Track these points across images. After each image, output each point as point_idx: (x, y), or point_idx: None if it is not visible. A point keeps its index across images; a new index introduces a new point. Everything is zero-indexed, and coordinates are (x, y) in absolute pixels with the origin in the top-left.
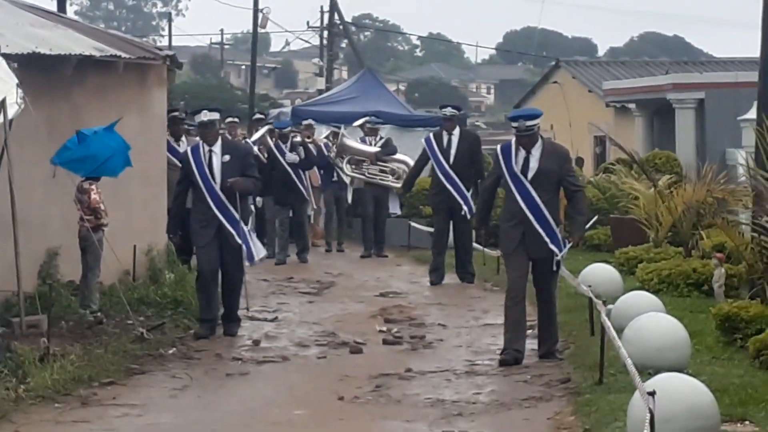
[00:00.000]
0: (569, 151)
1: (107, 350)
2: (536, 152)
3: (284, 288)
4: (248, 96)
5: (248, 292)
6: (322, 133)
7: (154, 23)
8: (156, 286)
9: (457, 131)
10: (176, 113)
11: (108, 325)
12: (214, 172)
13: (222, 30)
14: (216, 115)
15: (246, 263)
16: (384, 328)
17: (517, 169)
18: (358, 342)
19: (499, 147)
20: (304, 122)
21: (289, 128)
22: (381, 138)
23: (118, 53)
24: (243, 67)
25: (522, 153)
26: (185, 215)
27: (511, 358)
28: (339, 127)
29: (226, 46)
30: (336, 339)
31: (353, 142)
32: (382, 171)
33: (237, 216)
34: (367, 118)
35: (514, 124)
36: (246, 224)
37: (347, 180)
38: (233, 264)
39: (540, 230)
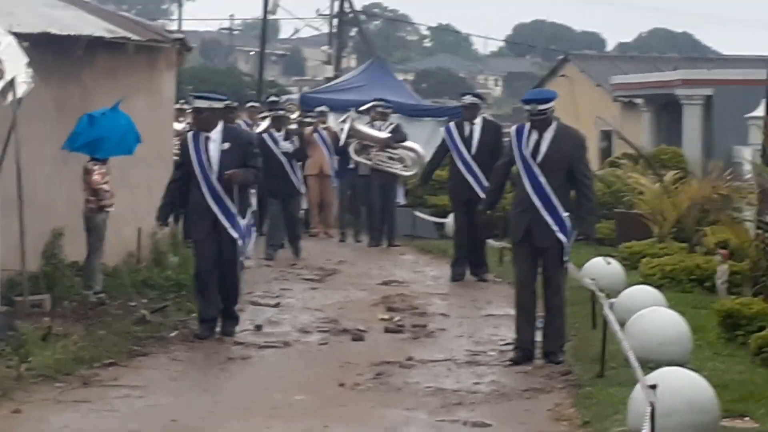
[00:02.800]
0: (585, 138)
1: (110, 331)
2: (548, 135)
3: (287, 274)
4: (256, 82)
5: (253, 300)
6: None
7: (164, 7)
8: (159, 268)
9: (479, 120)
10: (254, 103)
11: (111, 306)
12: (212, 160)
13: (232, 15)
14: (204, 103)
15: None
16: (386, 317)
17: (528, 152)
18: (359, 329)
19: (513, 128)
20: (317, 109)
21: (282, 112)
22: (391, 123)
23: (129, 35)
24: (252, 53)
25: (534, 136)
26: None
27: (522, 358)
28: (351, 111)
29: (236, 32)
30: (338, 326)
31: (364, 127)
32: (390, 158)
33: (233, 208)
34: (375, 102)
35: (527, 107)
36: (244, 217)
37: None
38: (229, 259)
39: (547, 217)
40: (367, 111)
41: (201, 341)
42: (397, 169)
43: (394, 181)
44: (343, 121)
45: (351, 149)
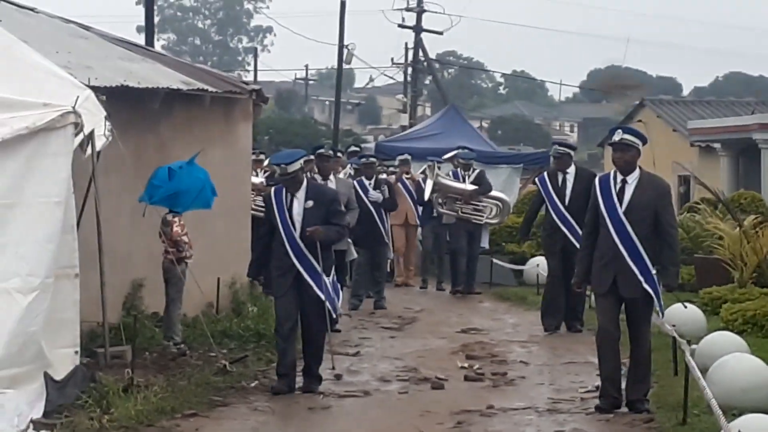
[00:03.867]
0: (670, 186)
1: (190, 382)
2: (632, 181)
3: (366, 323)
4: (332, 131)
5: (333, 350)
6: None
7: (239, 58)
8: (239, 318)
9: (572, 169)
10: (323, 150)
11: (191, 357)
12: (294, 218)
13: (307, 65)
14: (296, 166)
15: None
16: (466, 365)
17: (615, 200)
18: (439, 378)
19: (597, 178)
20: (399, 157)
21: (373, 160)
22: (474, 170)
23: (205, 87)
24: (327, 102)
25: (618, 182)
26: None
27: (608, 405)
28: (433, 162)
29: (311, 82)
30: (417, 374)
31: (448, 180)
32: (476, 210)
33: (318, 266)
34: (458, 151)
35: (613, 138)
36: (328, 275)
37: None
38: (314, 316)
39: (634, 268)
40: (451, 159)
41: (276, 395)
42: (482, 219)
43: (480, 228)
44: (423, 172)
45: (436, 202)
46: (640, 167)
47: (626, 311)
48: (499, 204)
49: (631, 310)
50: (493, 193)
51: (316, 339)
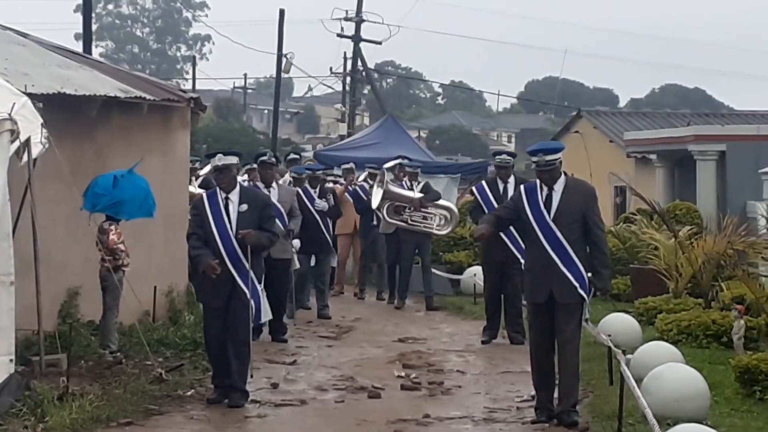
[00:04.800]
0: (595, 189)
1: (126, 390)
2: (558, 188)
3: (303, 332)
4: (270, 140)
5: (270, 358)
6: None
7: (178, 66)
8: (175, 327)
9: (512, 179)
10: (265, 157)
11: (127, 365)
12: (231, 221)
13: (245, 74)
14: (233, 159)
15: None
16: (402, 374)
17: (540, 207)
18: (376, 387)
19: (522, 186)
20: (344, 166)
21: (320, 171)
22: (420, 182)
23: (143, 95)
24: (266, 111)
25: (544, 191)
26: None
27: (545, 417)
28: (376, 169)
29: (249, 91)
30: (354, 383)
31: (398, 188)
32: (425, 218)
33: (251, 273)
34: (399, 161)
35: (534, 159)
36: (259, 282)
37: (391, 228)
38: (240, 324)
39: (567, 273)
40: (392, 168)
41: (212, 405)
42: (433, 228)
43: (428, 240)
44: (365, 179)
45: (384, 211)
46: (564, 172)
47: (556, 318)
48: (447, 214)
49: (564, 317)
50: (442, 201)
51: (240, 350)
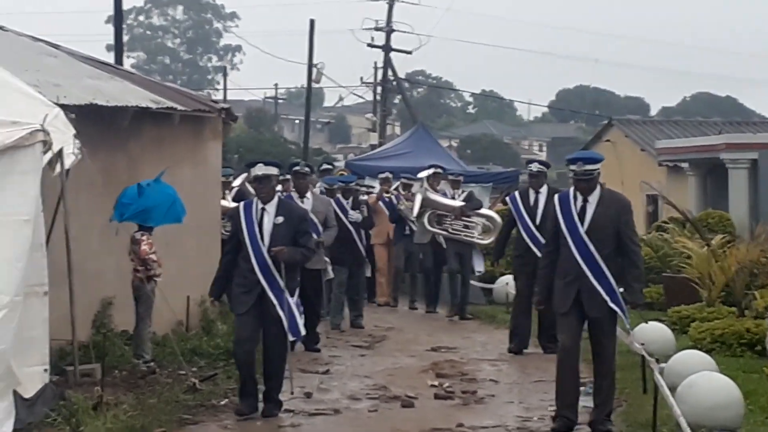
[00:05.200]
0: (630, 203)
1: (160, 400)
2: (593, 200)
3: (336, 341)
4: (302, 150)
5: (293, 374)
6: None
7: (209, 77)
8: (209, 336)
9: (544, 189)
10: (298, 167)
11: (161, 375)
12: (264, 233)
13: (276, 84)
14: (273, 170)
15: (290, 338)
16: (435, 383)
17: (576, 218)
18: (409, 396)
19: (556, 195)
20: (381, 175)
21: (353, 183)
22: (464, 192)
23: (174, 105)
24: (297, 121)
25: (579, 201)
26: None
27: (563, 427)
28: (410, 179)
29: (280, 101)
30: (387, 392)
31: (437, 196)
32: (466, 226)
33: (282, 284)
34: (434, 170)
35: (573, 167)
36: (292, 296)
37: (426, 237)
38: (274, 338)
39: (598, 287)
40: (427, 178)
41: (241, 417)
42: (474, 237)
43: (471, 249)
44: (396, 188)
45: (425, 219)
46: (600, 184)
47: (590, 330)
48: (489, 223)
49: (596, 329)
50: (484, 210)
51: (276, 362)
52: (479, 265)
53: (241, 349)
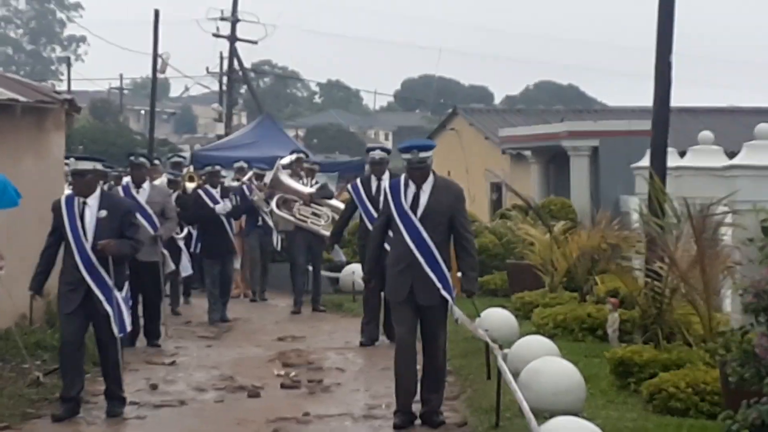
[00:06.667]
0: (463, 190)
1: (2, 394)
2: (427, 188)
3: (182, 332)
4: (147, 141)
5: (149, 359)
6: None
7: (53, 68)
8: (53, 330)
9: (386, 176)
10: (133, 157)
11: (4, 369)
12: (87, 227)
13: (121, 75)
14: (87, 164)
15: (117, 334)
16: (282, 372)
17: (407, 206)
18: (255, 386)
19: (386, 184)
20: (236, 164)
21: (219, 170)
22: (317, 182)
23: (16, 97)
24: (142, 111)
25: (412, 188)
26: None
27: (405, 422)
28: (263, 169)
29: (126, 91)
30: (234, 383)
31: (288, 179)
32: (314, 214)
33: (109, 280)
34: (296, 155)
35: (407, 156)
36: (120, 290)
37: (271, 223)
38: (106, 333)
39: (431, 275)
40: (289, 165)
41: (58, 423)
42: (320, 226)
43: (321, 240)
44: (249, 178)
45: (273, 203)
46: (433, 172)
47: (422, 319)
48: (336, 214)
49: (429, 319)
50: (333, 201)
51: (111, 358)
52: (339, 256)
53: (66, 349)
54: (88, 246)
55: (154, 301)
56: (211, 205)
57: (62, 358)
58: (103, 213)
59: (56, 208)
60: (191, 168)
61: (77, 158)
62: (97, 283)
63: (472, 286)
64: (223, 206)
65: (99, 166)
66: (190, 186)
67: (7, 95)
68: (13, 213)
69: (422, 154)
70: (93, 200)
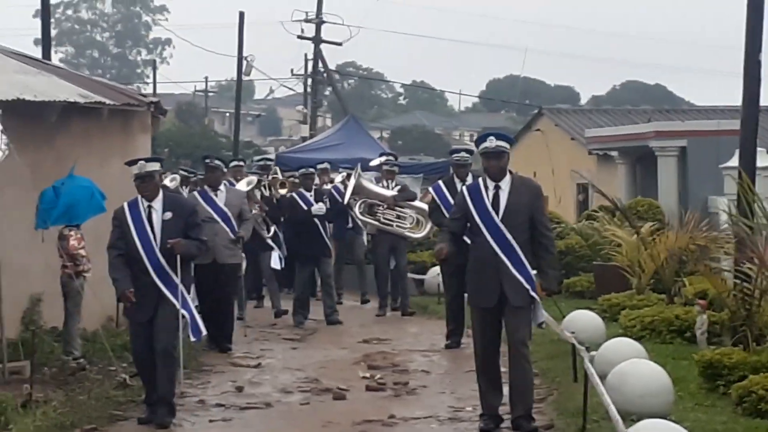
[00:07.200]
0: (541, 187)
1: (90, 396)
2: (506, 187)
3: (267, 334)
4: (232, 143)
5: (234, 362)
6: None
7: (138, 71)
8: None
9: (470, 178)
10: (208, 160)
11: (91, 371)
12: (155, 231)
13: (206, 77)
14: (155, 166)
15: (191, 338)
16: (367, 375)
17: (489, 205)
18: (341, 388)
19: (464, 187)
20: (320, 166)
21: (313, 172)
22: (397, 185)
23: (103, 99)
24: (227, 114)
25: (491, 189)
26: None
27: (491, 425)
28: (351, 169)
29: (211, 94)
30: (319, 385)
31: (370, 184)
32: (399, 217)
33: (178, 283)
34: (385, 158)
35: (484, 144)
36: (188, 293)
37: (361, 224)
38: (164, 334)
39: (518, 276)
40: (378, 167)
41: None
42: (405, 229)
43: (404, 243)
44: (342, 181)
45: (356, 208)
46: (510, 171)
47: (508, 321)
48: (421, 216)
49: (514, 320)
50: (417, 203)
51: (167, 362)
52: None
53: (139, 358)
54: (157, 249)
55: (229, 304)
56: (305, 207)
57: (137, 365)
58: (168, 215)
59: (119, 217)
60: (278, 171)
61: (147, 160)
62: (167, 286)
63: (553, 285)
64: (319, 207)
65: (159, 166)
66: (282, 192)
67: (94, 98)
68: (100, 216)
69: (499, 143)
70: (158, 203)
